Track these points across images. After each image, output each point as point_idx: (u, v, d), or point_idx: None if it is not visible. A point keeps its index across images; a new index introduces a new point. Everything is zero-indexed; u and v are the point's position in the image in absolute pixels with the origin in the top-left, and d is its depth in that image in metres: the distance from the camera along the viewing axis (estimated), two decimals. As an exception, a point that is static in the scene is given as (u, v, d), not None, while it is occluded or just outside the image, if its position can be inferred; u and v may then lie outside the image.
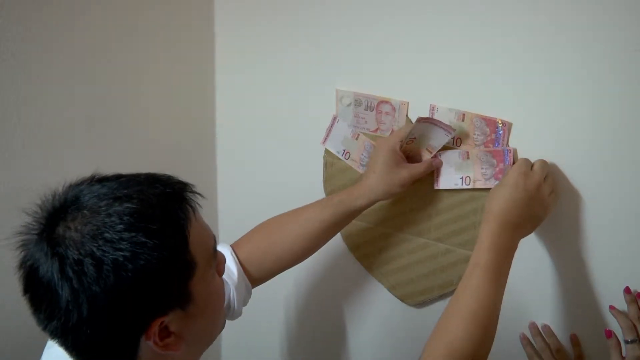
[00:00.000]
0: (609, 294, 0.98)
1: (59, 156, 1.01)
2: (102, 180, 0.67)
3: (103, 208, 0.63)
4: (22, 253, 0.65)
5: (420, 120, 0.99)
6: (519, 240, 0.91)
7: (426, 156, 1.05)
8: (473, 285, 0.83)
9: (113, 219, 0.62)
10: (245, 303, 1.01)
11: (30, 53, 0.94)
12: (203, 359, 0.81)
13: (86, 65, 1.04)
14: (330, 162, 1.19)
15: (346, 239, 1.22)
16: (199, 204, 0.69)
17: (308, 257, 1.06)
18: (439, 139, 1.02)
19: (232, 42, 1.26)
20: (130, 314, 0.63)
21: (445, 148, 1.05)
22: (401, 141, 1.01)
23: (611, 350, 0.93)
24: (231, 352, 1.48)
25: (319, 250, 1.25)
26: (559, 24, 0.92)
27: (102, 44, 1.06)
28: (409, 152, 1.05)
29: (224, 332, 1.45)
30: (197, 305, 0.68)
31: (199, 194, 0.70)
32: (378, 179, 1.00)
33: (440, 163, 1.05)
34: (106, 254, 0.61)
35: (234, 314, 0.99)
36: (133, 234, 0.62)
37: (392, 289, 1.19)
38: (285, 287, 1.33)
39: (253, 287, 1.02)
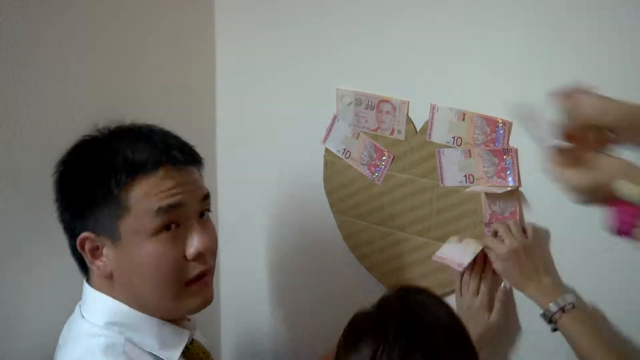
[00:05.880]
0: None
1: (59, 156, 1.01)
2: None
3: None
4: None
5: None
6: None
7: None
8: None
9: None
10: None
11: (31, 52, 0.94)
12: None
13: (86, 65, 1.04)
14: (330, 161, 1.19)
15: (346, 238, 1.22)
16: (175, 167, 0.82)
17: None
18: None
19: (232, 42, 1.26)
20: (71, 206, 0.83)
21: (446, 147, 1.05)
22: None
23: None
24: (231, 352, 1.48)
25: (319, 250, 1.25)
26: (559, 24, 0.93)
27: (102, 44, 1.06)
28: None
29: (224, 332, 1.46)
30: (125, 250, 0.80)
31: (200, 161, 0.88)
32: None
33: None
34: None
35: None
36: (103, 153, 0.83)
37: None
38: (286, 287, 1.33)
39: None
